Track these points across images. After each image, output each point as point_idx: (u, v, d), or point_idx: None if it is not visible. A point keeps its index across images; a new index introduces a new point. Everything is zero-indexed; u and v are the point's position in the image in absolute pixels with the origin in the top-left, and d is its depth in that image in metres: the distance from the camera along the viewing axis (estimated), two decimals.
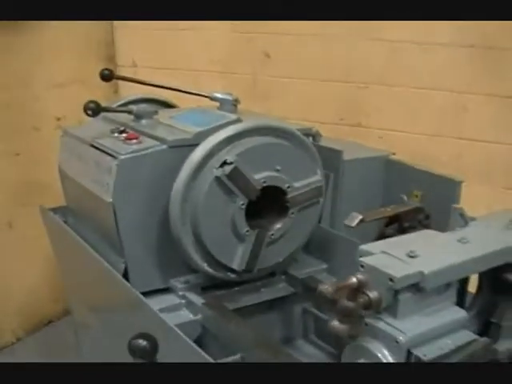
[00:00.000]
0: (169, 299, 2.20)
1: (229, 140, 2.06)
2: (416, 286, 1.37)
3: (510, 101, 3.25)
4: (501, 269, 1.63)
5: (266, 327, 2.28)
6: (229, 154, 2.03)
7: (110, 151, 2.12)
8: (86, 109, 2.18)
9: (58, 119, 3.42)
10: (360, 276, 1.34)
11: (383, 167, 2.52)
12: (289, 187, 2.13)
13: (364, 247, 1.48)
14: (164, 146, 2.10)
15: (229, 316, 2.12)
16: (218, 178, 2.01)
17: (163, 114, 2.38)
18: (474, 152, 3.36)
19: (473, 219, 1.66)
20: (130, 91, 2.86)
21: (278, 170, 2.10)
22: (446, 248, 1.50)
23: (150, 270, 2.20)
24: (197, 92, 2.48)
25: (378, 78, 3.48)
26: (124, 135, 2.18)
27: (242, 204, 2.06)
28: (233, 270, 2.17)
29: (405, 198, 2.34)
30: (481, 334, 1.70)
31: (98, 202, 2.14)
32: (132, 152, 2.08)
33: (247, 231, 2.10)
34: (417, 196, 2.33)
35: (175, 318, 2.12)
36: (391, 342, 1.35)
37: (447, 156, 3.35)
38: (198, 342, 2.13)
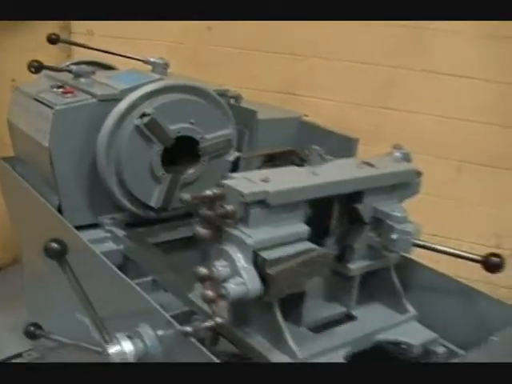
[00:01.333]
0: (97, 233, 2.58)
1: (148, 95, 2.43)
2: (264, 203, 1.74)
3: (432, 75, 3.65)
4: (352, 200, 2.00)
5: (182, 263, 2.64)
6: (148, 107, 2.38)
7: (48, 103, 2.47)
8: (29, 66, 2.53)
9: (13, 80, 3.72)
10: (215, 190, 1.70)
11: (296, 127, 2.87)
12: (201, 138, 2.49)
13: (232, 174, 1.84)
14: (94, 100, 2.46)
15: (147, 247, 2.49)
16: (137, 127, 2.38)
17: (100, 74, 2.73)
18: (395, 121, 3.75)
19: (331, 159, 2.02)
20: (82, 57, 3.18)
21: (191, 123, 2.46)
22: (297, 177, 1.86)
23: (81, 207, 2.56)
24: (134, 56, 2.83)
25: (314, 51, 3.87)
26: (61, 90, 2.53)
27: (159, 150, 2.43)
28: (151, 208, 2.53)
29: None
30: (340, 257, 2.08)
31: (38, 147, 2.49)
32: (66, 104, 2.43)
33: (163, 174, 2.47)
34: None
35: (101, 248, 2.49)
36: (242, 245, 1.71)
37: (369, 124, 3.73)
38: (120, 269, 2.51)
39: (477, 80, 3.63)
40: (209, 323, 1.66)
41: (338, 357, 1.88)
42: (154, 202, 2.48)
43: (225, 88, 2.76)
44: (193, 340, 1.70)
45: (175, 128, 2.43)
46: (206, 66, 4.02)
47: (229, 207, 1.71)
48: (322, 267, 1.79)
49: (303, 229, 1.81)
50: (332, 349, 1.89)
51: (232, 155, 1.96)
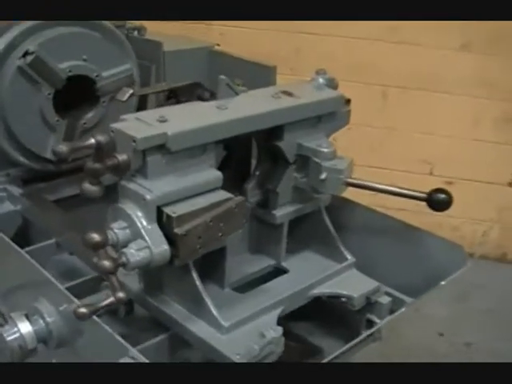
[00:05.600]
0: None
1: (30, 30, 2.07)
2: (164, 148, 1.43)
3: None
4: (271, 136, 1.71)
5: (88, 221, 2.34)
6: (31, 44, 2.03)
7: None
8: None
9: None
10: (100, 137, 1.39)
11: (206, 58, 2.56)
12: (97, 76, 2.16)
13: (123, 116, 1.52)
14: None
15: (46, 205, 2.18)
16: (20, 68, 2.03)
17: None
18: (311, 46, 3.46)
19: (243, 90, 1.72)
20: None
21: (84, 60, 2.12)
22: (202, 114, 1.56)
23: None
24: None
25: None
26: None
27: (49, 94, 2.09)
28: (49, 161, 2.20)
29: None
30: (264, 203, 1.80)
31: None
32: None
33: (57, 120, 2.13)
34: (239, 85, 2.40)
35: None
36: (140, 201, 1.42)
37: (285, 51, 3.44)
38: (22, 232, 2.20)
39: None
40: (108, 300, 1.38)
41: (271, 318, 1.62)
42: (51, 153, 2.15)
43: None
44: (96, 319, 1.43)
45: (65, 66, 2.09)
46: None
47: (120, 157, 1.41)
48: (240, 219, 1.52)
49: (215, 175, 1.53)
50: (263, 311, 1.64)
51: (125, 94, 1.63)
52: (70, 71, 2.10)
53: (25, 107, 2.09)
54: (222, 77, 1.66)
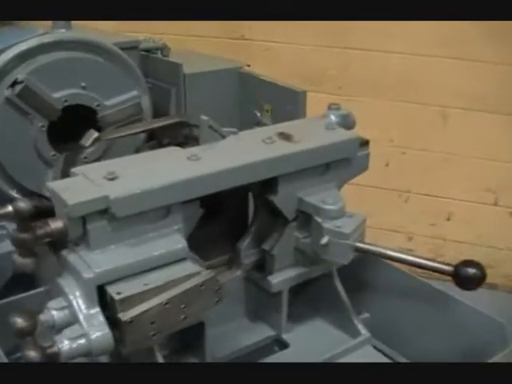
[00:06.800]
0: None
1: (22, 57, 1.86)
2: (109, 213, 1.18)
3: None
4: (266, 189, 1.43)
5: None
6: (22, 72, 1.83)
7: None
8: None
9: None
10: (21, 204, 1.15)
11: (236, 81, 2.29)
12: (98, 105, 1.93)
13: (74, 169, 1.28)
14: None
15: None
16: (8, 99, 1.82)
17: None
18: (361, 63, 3.13)
19: (234, 132, 1.44)
20: None
21: (83, 87, 1.90)
22: (164, 167, 1.29)
23: None
24: None
25: None
26: None
27: (42, 126, 1.88)
28: (47, 197, 1.99)
29: (258, 114, 2.17)
30: (261, 264, 1.52)
31: None
32: None
33: (53, 155, 1.92)
34: (268, 111, 2.15)
35: None
36: (80, 279, 1.17)
37: (334, 68, 3.12)
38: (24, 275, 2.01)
39: None
40: None
41: None
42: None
43: (136, 39, 2.17)
44: None
45: (60, 96, 1.87)
46: None
47: (54, 224, 1.16)
48: (209, 298, 1.24)
49: (179, 244, 1.25)
50: None
51: (88, 139, 1.39)
52: (65, 101, 1.88)
53: (16, 141, 1.88)
54: (204, 117, 1.38)
